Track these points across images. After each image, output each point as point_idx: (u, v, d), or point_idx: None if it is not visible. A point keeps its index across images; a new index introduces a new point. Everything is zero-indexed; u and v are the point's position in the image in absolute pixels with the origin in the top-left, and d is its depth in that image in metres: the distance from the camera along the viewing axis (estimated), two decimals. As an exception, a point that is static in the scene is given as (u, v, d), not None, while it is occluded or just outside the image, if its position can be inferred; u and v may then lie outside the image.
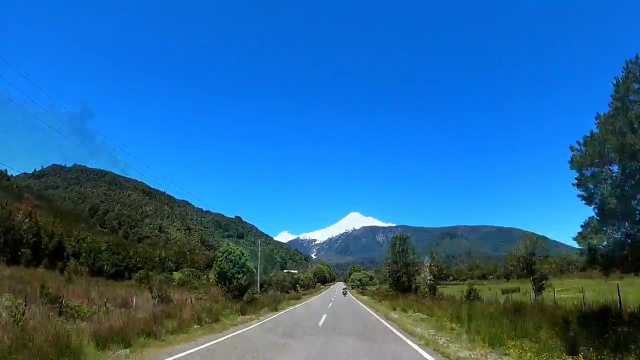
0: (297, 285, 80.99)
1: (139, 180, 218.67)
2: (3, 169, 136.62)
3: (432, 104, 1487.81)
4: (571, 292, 29.97)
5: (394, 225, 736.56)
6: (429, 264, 35.36)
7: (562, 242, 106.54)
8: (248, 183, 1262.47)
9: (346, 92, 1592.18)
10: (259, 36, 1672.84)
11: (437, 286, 34.58)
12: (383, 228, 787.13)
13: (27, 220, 50.02)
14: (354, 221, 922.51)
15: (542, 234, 25.43)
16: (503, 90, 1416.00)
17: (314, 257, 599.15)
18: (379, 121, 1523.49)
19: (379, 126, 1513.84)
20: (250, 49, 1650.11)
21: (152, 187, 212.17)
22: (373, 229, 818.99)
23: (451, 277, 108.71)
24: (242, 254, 28.95)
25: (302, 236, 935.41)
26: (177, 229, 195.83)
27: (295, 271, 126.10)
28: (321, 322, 18.53)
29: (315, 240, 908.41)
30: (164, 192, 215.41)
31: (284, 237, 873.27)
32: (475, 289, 29.51)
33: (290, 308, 31.13)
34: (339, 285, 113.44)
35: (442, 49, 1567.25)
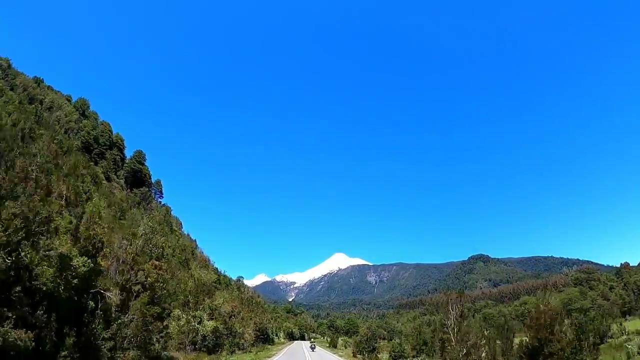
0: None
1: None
2: None
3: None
4: None
5: (389, 263, 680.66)
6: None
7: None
8: (227, 221, 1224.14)
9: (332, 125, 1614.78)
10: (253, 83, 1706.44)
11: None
12: (374, 267, 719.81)
13: None
14: (339, 262, 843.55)
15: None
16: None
17: (291, 300, 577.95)
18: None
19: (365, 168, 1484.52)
20: (235, 98, 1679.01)
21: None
22: (362, 268, 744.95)
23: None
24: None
25: (278, 278, 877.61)
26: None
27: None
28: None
29: (294, 282, 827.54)
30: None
31: (259, 280, 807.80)
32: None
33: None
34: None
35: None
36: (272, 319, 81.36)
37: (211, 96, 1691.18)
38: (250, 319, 52.36)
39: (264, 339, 59.72)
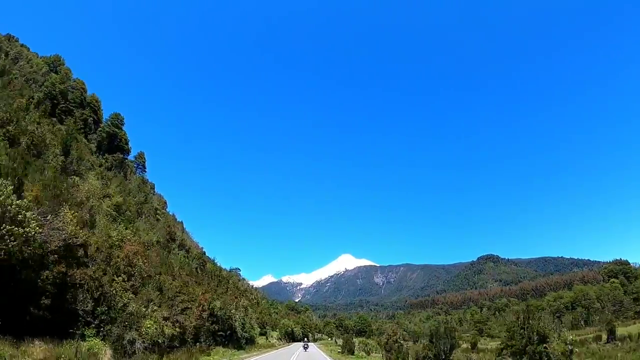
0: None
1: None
2: None
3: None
4: None
5: (396, 264, 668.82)
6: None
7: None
8: (232, 224, 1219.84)
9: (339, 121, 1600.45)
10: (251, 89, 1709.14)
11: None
12: (382, 268, 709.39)
13: None
14: (346, 263, 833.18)
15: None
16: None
17: (297, 300, 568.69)
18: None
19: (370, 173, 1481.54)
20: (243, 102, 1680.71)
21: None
22: (369, 269, 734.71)
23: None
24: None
25: (285, 279, 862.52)
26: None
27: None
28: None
29: (300, 283, 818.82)
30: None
31: (266, 281, 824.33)
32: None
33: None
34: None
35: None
36: (251, 308, 51.42)
37: (215, 98, 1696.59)
38: (192, 297, 29.82)
39: (227, 337, 35.98)
